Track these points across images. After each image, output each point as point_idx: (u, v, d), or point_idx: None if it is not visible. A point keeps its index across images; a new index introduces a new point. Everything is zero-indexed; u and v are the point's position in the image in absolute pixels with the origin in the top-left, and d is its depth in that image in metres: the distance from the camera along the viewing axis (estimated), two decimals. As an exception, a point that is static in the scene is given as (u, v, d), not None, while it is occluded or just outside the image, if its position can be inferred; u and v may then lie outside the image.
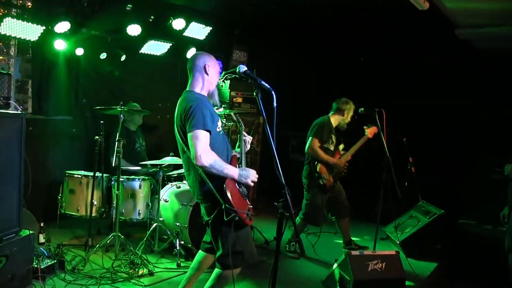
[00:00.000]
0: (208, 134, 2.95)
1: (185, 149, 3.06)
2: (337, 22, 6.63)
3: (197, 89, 3.19)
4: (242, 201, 3.07)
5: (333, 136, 5.06)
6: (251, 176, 3.12)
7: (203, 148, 2.89)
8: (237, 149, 3.41)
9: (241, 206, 3.02)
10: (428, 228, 5.28)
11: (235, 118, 3.65)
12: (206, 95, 3.22)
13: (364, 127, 5.06)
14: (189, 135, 2.94)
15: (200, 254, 3.46)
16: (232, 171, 3.02)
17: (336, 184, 5.10)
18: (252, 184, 3.14)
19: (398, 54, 6.80)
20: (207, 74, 3.19)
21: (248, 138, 3.48)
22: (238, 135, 3.48)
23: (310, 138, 4.94)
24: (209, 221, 3.11)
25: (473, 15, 5.41)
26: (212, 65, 3.21)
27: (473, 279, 4.93)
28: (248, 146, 3.47)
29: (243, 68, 2.83)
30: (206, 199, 3.09)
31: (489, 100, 6.36)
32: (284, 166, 2.58)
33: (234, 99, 6.98)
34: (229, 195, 2.93)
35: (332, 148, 5.07)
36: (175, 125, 3.13)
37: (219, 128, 3.13)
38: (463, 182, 6.45)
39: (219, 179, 2.96)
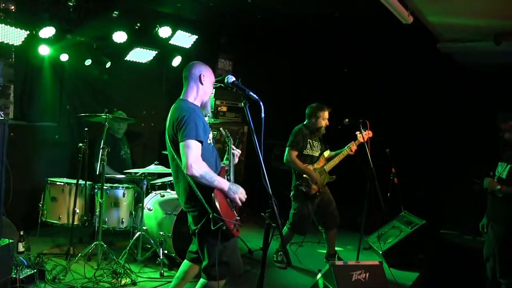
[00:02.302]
0: (200, 144, 2.95)
1: (175, 157, 3.05)
2: (321, 33, 6.70)
3: (191, 99, 3.19)
4: (229, 211, 3.06)
5: (311, 141, 5.07)
6: (240, 193, 3.10)
7: (194, 158, 2.88)
8: (225, 161, 3.41)
9: (229, 216, 3.01)
10: (410, 238, 5.35)
11: (224, 133, 3.65)
12: (199, 105, 3.22)
13: (357, 132, 4.98)
14: (181, 144, 2.93)
15: (185, 263, 3.44)
16: (222, 183, 3.00)
17: (325, 194, 5.10)
18: (239, 202, 3.11)
19: (381, 65, 6.90)
20: (202, 84, 3.19)
21: (237, 152, 3.48)
22: (227, 148, 3.48)
23: (287, 148, 4.98)
24: (196, 231, 3.10)
25: (454, 30, 5.55)
26: (208, 76, 3.22)
27: (454, 288, 5.01)
28: (236, 160, 3.47)
29: (231, 78, 2.85)
30: (193, 208, 3.08)
31: (469, 112, 6.50)
32: (267, 174, 2.58)
33: (219, 108, 6.99)
34: (217, 204, 2.93)
35: (315, 153, 5.08)
36: (166, 132, 3.12)
37: (210, 140, 3.14)
38: (445, 193, 6.55)
39: (208, 189, 2.95)
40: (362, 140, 4.96)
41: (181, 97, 3.22)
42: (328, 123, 5.13)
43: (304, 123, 5.16)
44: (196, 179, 2.92)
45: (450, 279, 5.21)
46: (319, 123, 5.08)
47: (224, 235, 2.97)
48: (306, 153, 5.02)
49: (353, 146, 5.06)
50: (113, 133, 5.66)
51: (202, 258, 3.11)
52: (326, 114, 5.10)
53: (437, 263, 5.58)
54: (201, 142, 2.96)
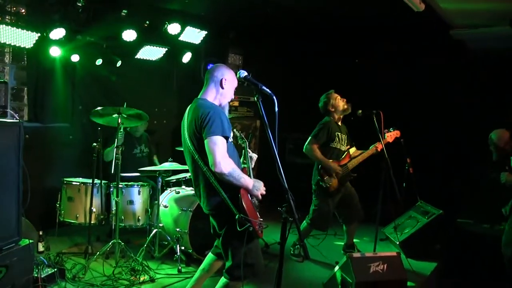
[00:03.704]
0: (225, 141, 2.90)
1: (196, 157, 2.97)
2: (332, 25, 6.65)
3: (210, 99, 3.13)
4: (254, 212, 3.00)
5: (340, 135, 4.95)
6: (262, 189, 3.08)
7: (222, 155, 2.82)
8: (243, 165, 3.38)
9: (253, 217, 2.94)
10: (427, 228, 5.30)
11: (238, 135, 3.62)
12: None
13: (385, 130, 4.89)
14: (206, 141, 2.85)
15: (211, 256, 3.43)
16: (247, 180, 2.95)
17: (347, 188, 5.02)
18: (260, 197, 3.09)
19: (393, 55, 6.82)
20: (222, 88, 3.14)
21: (254, 156, 3.45)
22: (243, 152, 3.45)
23: (310, 138, 4.89)
24: (222, 234, 3.05)
25: (467, 16, 5.47)
26: (230, 81, 3.16)
27: (472, 278, 4.95)
28: (253, 164, 3.44)
29: (243, 73, 2.81)
30: (218, 211, 3.01)
31: (483, 99, 6.41)
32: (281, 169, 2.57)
33: (231, 103, 6.97)
34: (244, 204, 2.87)
35: (342, 148, 4.97)
36: (186, 133, 3.04)
37: (230, 138, 3.07)
38: (461, 182, 6.48)
39: (232, 189, 2.89)
40: (390, 140, 4.93)
41: (199, 97, 3.16)
42: (345, 100, 5.01)
43: (328, 116, 5.02)
44: (224, 177, 2.84)
45: (468, 268, 5.16)
46: (337, 105, 4.97)
47: (250, 236, 2.90)
48: (334, 146, 4.91)
49: (379, 146, 4.92)
50: (131, 132, 5.65)
51: (226, 259, 3.06)
52: (335, 95, 5.00)
53: (455, 253, 5.52)
54: (227, 138, 2.91)
